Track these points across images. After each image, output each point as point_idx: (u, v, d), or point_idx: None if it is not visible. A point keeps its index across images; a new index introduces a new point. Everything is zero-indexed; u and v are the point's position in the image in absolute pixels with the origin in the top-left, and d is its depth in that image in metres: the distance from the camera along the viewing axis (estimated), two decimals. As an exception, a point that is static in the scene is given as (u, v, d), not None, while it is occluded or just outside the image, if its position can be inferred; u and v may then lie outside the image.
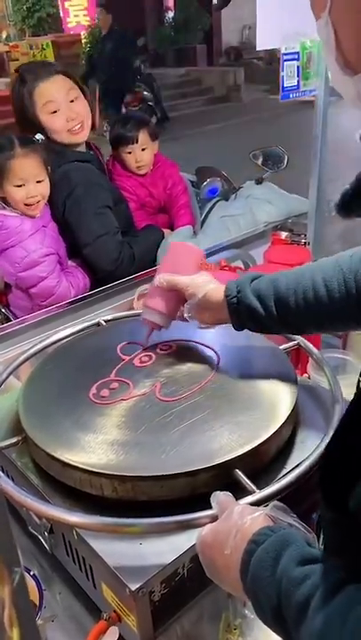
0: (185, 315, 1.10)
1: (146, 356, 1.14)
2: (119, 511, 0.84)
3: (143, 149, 2.12)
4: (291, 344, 1.21)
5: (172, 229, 2.16)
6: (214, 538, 0.72)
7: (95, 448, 0.92)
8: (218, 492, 0.79)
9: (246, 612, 0.90)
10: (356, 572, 0.56)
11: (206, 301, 1.05)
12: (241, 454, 0.89)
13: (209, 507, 0.79)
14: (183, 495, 0.87)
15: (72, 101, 1.82)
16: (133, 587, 0.77)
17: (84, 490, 0.90)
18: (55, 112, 1.80)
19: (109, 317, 1.37)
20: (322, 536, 0.63)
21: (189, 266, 1.14)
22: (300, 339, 1.21)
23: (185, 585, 0.85)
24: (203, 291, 1.06)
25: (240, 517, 0.71)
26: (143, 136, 2.11)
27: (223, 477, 0.88)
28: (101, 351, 1.19)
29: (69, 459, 0.91)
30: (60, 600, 1.00)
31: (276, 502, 0.73)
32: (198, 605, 0.89)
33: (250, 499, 0.82)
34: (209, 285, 1.07)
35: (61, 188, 1.81)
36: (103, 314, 1.46)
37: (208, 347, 1.16)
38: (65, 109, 1.81)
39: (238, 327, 1.06)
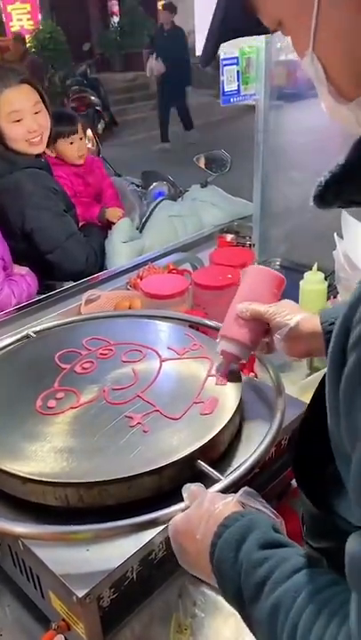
0: (276, 345, 1.02)
1: (87, 362, 1.13)
2: (76, 517, 0.83)
3: (81, 139, 2.24)
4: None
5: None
6: (186, 525, 0.74)
7: (55, 459, 0.90)
8: (189, 484, 0.80)
9: (197, 611, 0.91)
10: (334, 554, 0.58)
11: (298, 330, 0.98)
12: (201, 445, 0.91)
13: (164, 506, 0.80)
14: (149, 495, 0.87)
15: (36, 113, 1.81)
16: (80, 593, 0.76)
17: (49, 503, 0.88)
18: (18, 121, 1.78)
19: (38, 329, 1.33)
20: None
21: (270, 293, 1.05)
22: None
23: (135, 588, 0.85)
24: (294, 320, 0.98)
25: (211, 504, 0.73)
26: (80, 127, 2.24)
27: (187, 470, 0.90)
28: (38, 362, 1.16)
29: (29, 473, 0.88)
30: (9, 612, 0.98)
31: (246, 488, 0.75)
32: (149, 607, 0.89)
33: (218, 486, 0.84)
34: (299, 314, 0.99)
35: (16, 196, 1.78)
36: (47, 321, 1.43)
37: (149, 347, 1.16)
38: (28, 120, 1.79)
39: None
